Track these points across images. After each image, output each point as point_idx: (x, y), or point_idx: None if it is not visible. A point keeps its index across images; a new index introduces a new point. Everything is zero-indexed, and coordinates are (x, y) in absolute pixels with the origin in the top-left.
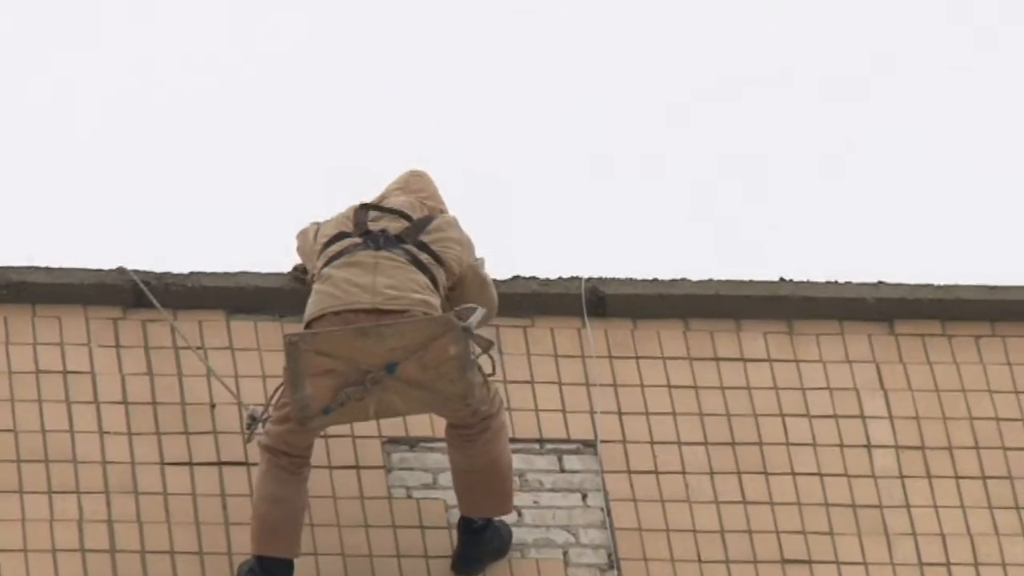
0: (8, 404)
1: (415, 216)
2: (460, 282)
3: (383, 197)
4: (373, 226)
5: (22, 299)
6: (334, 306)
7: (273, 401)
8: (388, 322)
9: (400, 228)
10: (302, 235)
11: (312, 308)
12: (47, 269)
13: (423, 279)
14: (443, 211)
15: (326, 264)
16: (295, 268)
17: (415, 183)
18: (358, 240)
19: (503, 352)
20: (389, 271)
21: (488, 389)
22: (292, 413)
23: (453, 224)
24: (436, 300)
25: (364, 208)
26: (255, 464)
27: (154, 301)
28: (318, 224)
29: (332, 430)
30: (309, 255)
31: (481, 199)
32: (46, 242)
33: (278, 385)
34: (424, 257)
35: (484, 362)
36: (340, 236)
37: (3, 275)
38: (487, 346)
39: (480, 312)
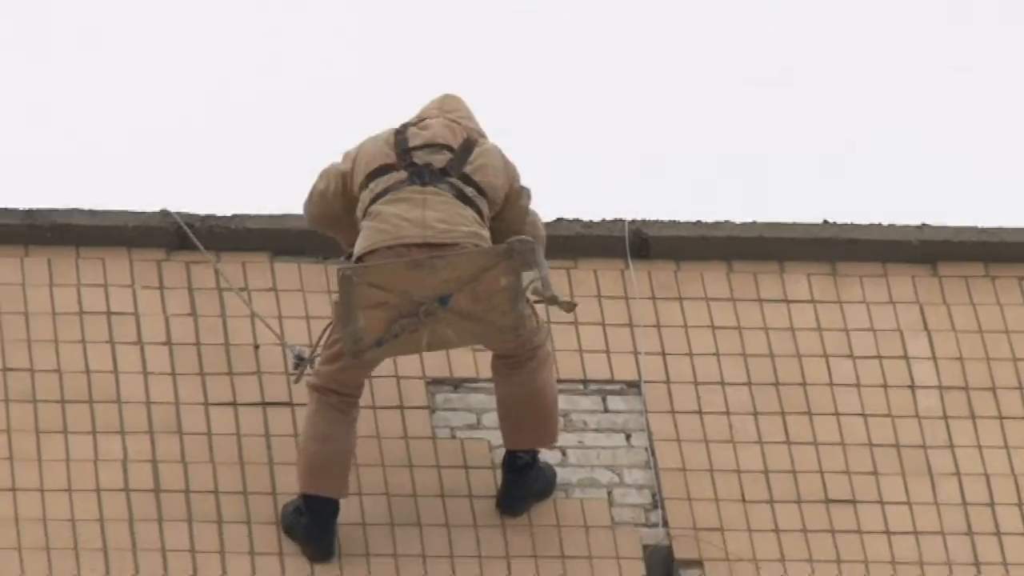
0: (52, 345)
1: (455, 145)
2: (506, 206)
3: (420, 119)
4: (418, 159)
5: (66, 241)
6: (386, 241)
7: (323, 341)
8: (440, 254)
9: (444, 161)
10: (325, 176)
11: (363, 243)
12: (91, 212)
13: (470, 213)
14: (481, 135)
15: (373, 201)
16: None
17: (450, 104)
18: (404, 175)
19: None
20: (437, 206)
21: (536, 320)
22: (345, 347)
23: (494, 152)
24: (485, 232)
25: (402, 134)
26: (299, 404)
27: (197, 243)
28: (353, 157)
29: (377, 371)
30: (334, 194)
31: (523, 139)
32: (90, 184)
33: (328, 324)
34: (469, 191)
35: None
36: (383, 170)
37: (47, 217)
38: (569, 309)
39: (541, 251)
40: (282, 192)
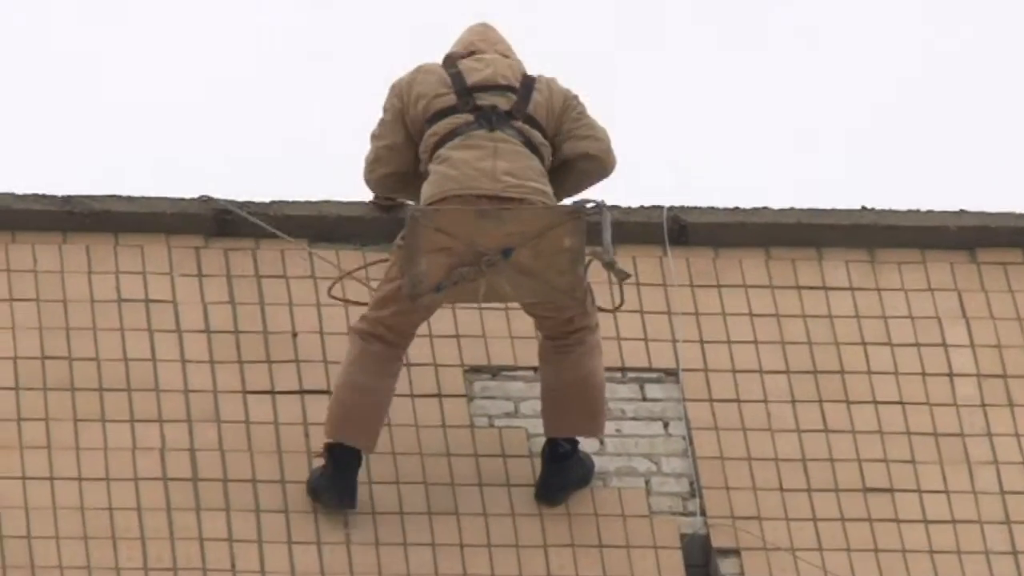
0: (90, 332)
1: (516, 83)
2: (559, 117)
3: (470, 51)
4: (482, 102)
5: (104, 228)
6: (455, 189)
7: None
8: (508, 207)
9: (509, 104)
10: (384, 127)
11: (433, 188)
12: (129, 198)
13: (538, 165)
14: (537, 77)
15: (439, 144)
16: (377, 198)
17: (494, 36)
18: (470, 118)
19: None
20: (508, 155)
21: (590, 300)
22: (404, 288)
23: (551, 85)
24: (550, 189)
25: (455, 68)
26: (321, 392)
27: (258, 223)
28: (404, 96)
29: (415, 358)
30: (400, 145)
31: None
32: (128, 171)
33: (379, 260)
34: (537, 136)
35: (612, 273)
36: (445, 112)
37: (85, 204)
38: (623, 277)
39: (608, 221)
40: (321, 178)
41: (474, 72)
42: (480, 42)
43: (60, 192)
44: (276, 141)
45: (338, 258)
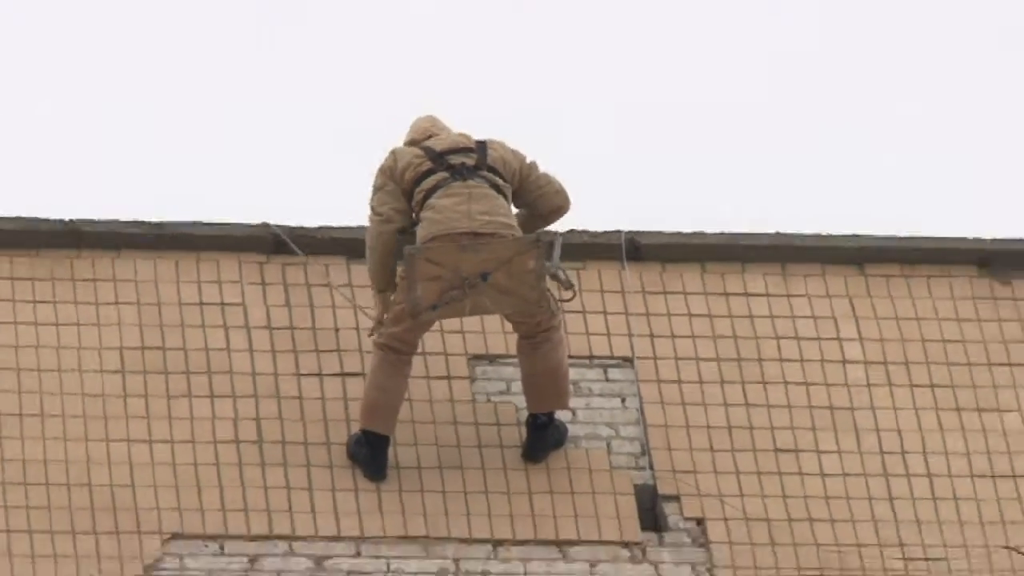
0: (179, 329)
1: (471, 147)
2: (524, 182)
3: (427, 135)
4: (455, 161)
5: (189, 247)
6: (442, 230)
7: (389, 311)
8: (483, 240)
9: (473, 160)
10: (382, 190)
11: (424, 231)
12: (208, 224)
13: (503, 203)
14: (490, 141)
15: (426, 198)
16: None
17: (440, 123)
18: (446, 175)
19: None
20: (479, 199)
21: (554, 304)
22: (407, 309)
23: (501, 144)
24: (515, 221)
25: (422, 145)
26: (358, 374)
27: (295, 249)
28: (391, 168)
29: (430, 348)
30: (386, 242)
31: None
32: (207, 200)
33: (396, 291)
34: (499, 180)
35: (560, 288)
36: (426, 174)
37: (175, 228)
38: (568, 286)
39: (559, 245)
40: (358, 206)
41: (439, 143)
42: (431, 127)
43: (154, 219)
44: (323, 174)
45: (372, 291)
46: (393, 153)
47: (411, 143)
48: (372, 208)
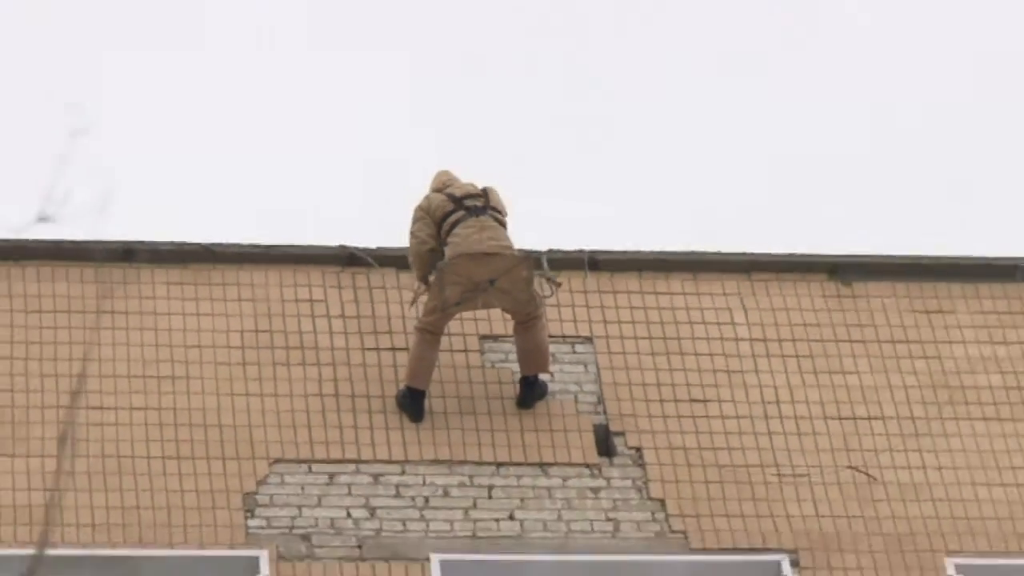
0: (281, 317)
1: (478, 193)
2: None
3: (446, 185)
4: (469, 204)
5: (289, 261)
6: (462, 250)
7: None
8: (491, 257)
9: (481, 203)
10: (419, 226)
11: (450, 252)
12: (302, 245)
13: (503, 231)
14: (488, 188)
15: (450, 230)
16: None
17: (454, 174)
18: (463, 214)
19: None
20: (488, 229)
21: (538, 301)
22: (438, 304)
23: (497, 192)
24: (512, 244)
25: (445, 193)
26: (404, 349)
27: (370, 261)
28: (426, 211)
29: (453, 331)
30: (422, 253)
31: (516, 198)
32: (301, 224)
33: (430, 291)
34: (500, 216)
35: (544, 287)
36: (449, 213)
37: (280, 249)
38: (559, 283)
39: (545, 260)
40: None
41: (457, 190)
42: (447, 179)
43: (265, 240)
44: (383, 207)
45: (413, 281)
46: (427, 198)
47: (437, 190)
48: (412, 233)
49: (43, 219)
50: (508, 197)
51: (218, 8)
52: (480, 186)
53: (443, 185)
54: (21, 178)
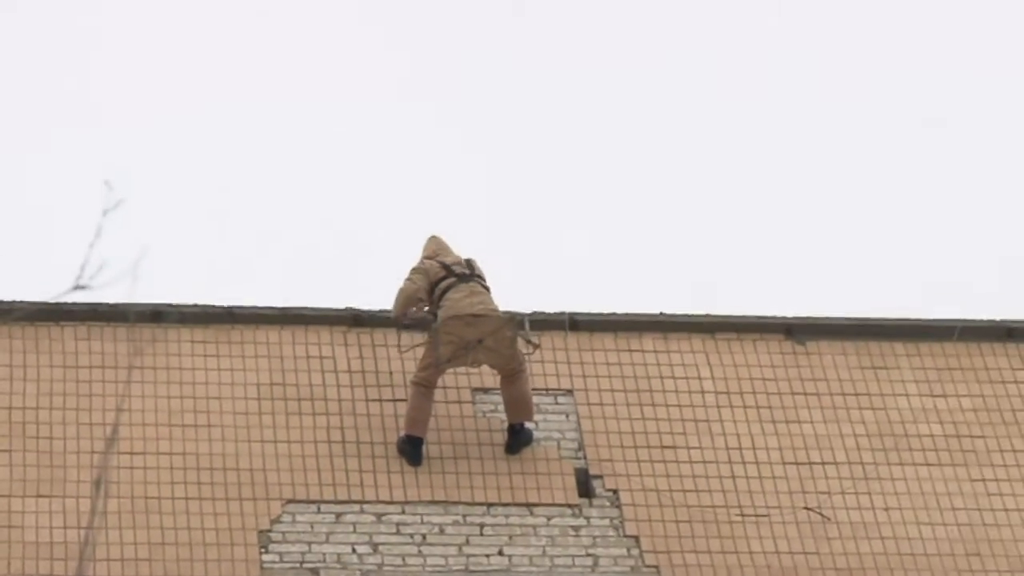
0: (294, 372)
1: (464, 261)
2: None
3: (436, 253)
4: (457, 270)
5: (301, 322)
6: (454, 313)
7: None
8: (479, 319)
9: (468, 269)
10: (407, 284)
11: (443, 314)
12: (313, 307)
13: (490, 297)
14: (470, 259)
15: (443, 294)
16: (401, 319)
17: (444, 242)
18: (454, 280)
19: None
20: (476, 294)
21: (521, 358)
22: (433, 360)
23: (477, 263)
24: (498, 307)
25: (438, 261)
26: (403, 400)
27: (366, 322)
28: (424, 273)
29: (448, 384)
30: (412, 294)
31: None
32: (312, 289)
33: (425, 348)
34: (484, 283)
35: (526, 346)
36: (442, 279)
37: (293, 310)
38: (538, 344)
39: (527, 321)
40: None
41: (446, 259)
42: (437, 248)
43: (280, 303)
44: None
45: (412, 338)
46: (422, 262)
47: (428, 258)
48: (410, 279)
49: (79, 287)
50: (494, 265)
51: (234, 96)
52: (464, 257)
53: (434, 253)
54: (61, 246)
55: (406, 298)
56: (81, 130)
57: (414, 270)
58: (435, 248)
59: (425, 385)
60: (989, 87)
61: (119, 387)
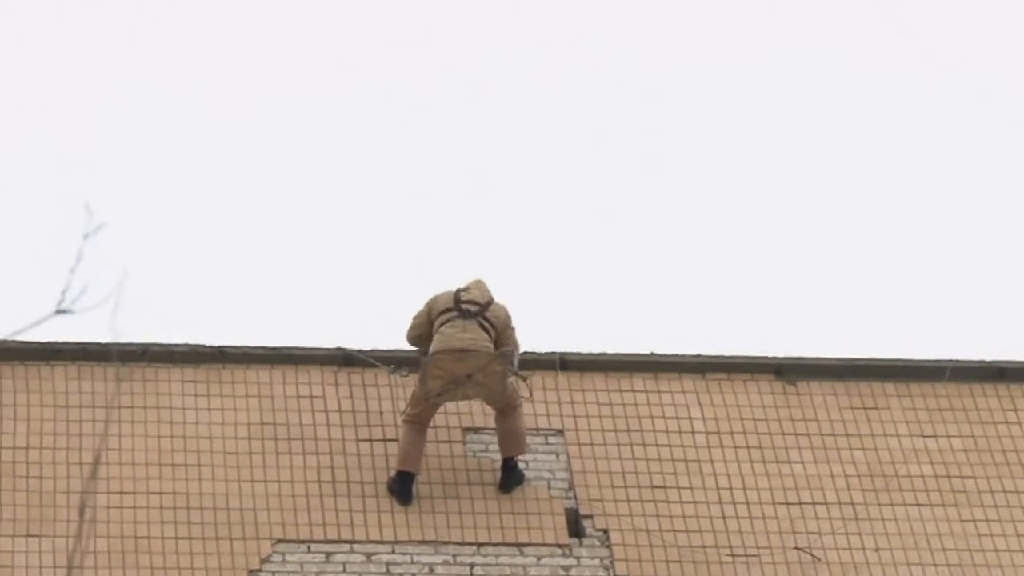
0: (284, 411)
1: (483, 302)
2: (501, 336)
3: (467, 288)
4: (465, 308)
5: (291, 362)
6: (444, 347)
7: (412, 392)
8: (469, 354)
9: (476, 309)
10: (418, 316)
11: (434, 347)
12: (303, 347)
13: (484, 335)
14: (494, 302)
15: (440, 326)
16: (412, 340)
17: (480, 284)
18: (456, 314)
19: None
20: (471, 330)
21: (516, 393)
22: (421, 395)
23: (501, 309)
24: (491, 346)
25: (457, 295)
26: (394, 439)
27: (368, 360)
28: (431, 305)
29: (440, 424)
30: (422, 324)
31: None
32: (302, 328)
33: (415, 387)
34: (486, 324)
35: (523, 387)
36: (447, 311)
37: (284, 350)
38: (525, 377)
39: (517, 355)
40: (395, 332)
41: (465, 295)
42: (473, 287)
43: (272, 343)
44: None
45: (409, 377)
46: (439, 293)
47: (458, 291)
48: (422, 312)
49: (61, 311)
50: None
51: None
52: (487, 298)
53: (465, 288)
54: (40, 275)
55: (409, 328)
56: (55, 147)
57: (426, 305)
58: (470, 284)
59: (416, 422)
60: (986, 129)
61: (107, 426)
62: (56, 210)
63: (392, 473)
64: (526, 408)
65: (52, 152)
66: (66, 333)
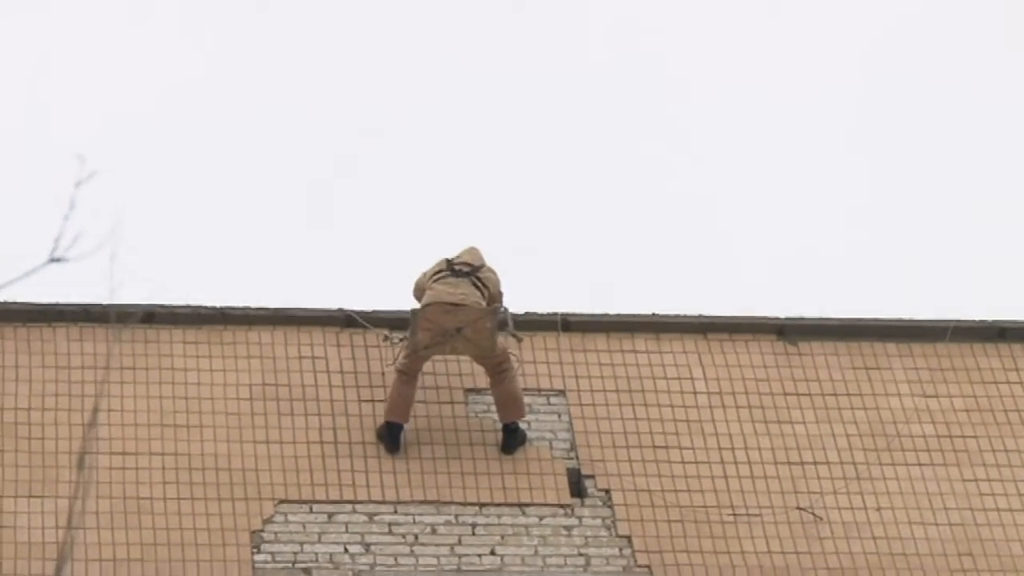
0: (286, 372)
1: (475, 264)
2: (493, 297)
3: (459, 256)
4: (458, 268)
5: (294, 323)
6: (434, 300)
7: (404, 345)
8: (459, 308)
9: (469, 269)
10: (421, 276)
11: (425, 300)
12: (306, 308)
13: (476, 292)
14: (486, 265)
15: (433, 283)
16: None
17: (473, 250)
18: (448, 272)
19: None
20: (461, 287)
21: (504, 354)
22: (410, 347)
23: (494, 273)
24: (483, 304)
25: (450, 260)
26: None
27: (364, 324)
28: (427, 271)
29: (441, 384)
30: (421, 285)
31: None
32: (307, 289)
33: (405, 336)
34: (478, 284)
35: (516, 347)
36: (440, 272)
37: (286, 311)
38: (521, 338)
39: (510, 315)
40: (400, 292)
41: (457, 260)
42: (466, 252)
43: (274, 304)
44: (390, 265)
45: (402, 335)
46: (436, 262)
47: (450, 259)
48: (427, 272)
49: (55, 260)
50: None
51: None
52: (480, 262)
53: (457, 256)
54: (35, 224)
55: (414, 286)
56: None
57: (429, 271)
58: (462, 252)
59: (405, 372)
60: (983, 89)
61: (104, 383)
62: (51, 163)
63: (381, 421)
64: (527, 369)
65: (51, 105)
66: (67, 294)
